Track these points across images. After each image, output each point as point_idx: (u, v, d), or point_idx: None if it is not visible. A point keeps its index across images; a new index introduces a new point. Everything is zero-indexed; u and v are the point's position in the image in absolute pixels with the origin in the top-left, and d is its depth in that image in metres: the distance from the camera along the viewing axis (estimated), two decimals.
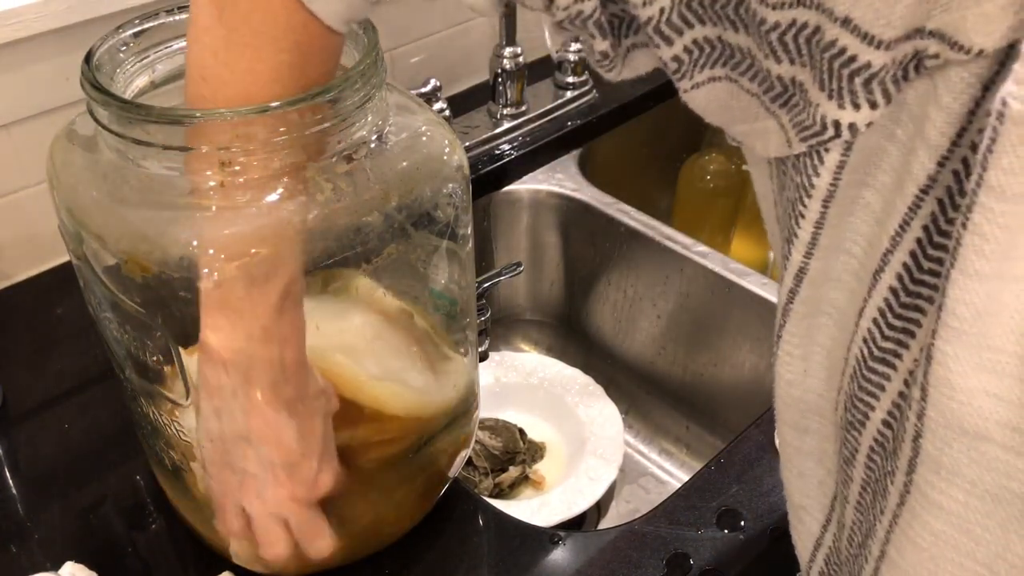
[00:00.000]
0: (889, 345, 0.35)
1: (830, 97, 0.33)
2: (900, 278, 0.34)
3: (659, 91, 1.22)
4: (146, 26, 0.53)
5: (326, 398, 0.51)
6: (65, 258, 0.89)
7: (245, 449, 0.49)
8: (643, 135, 1.24)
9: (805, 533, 0.45)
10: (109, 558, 0.63)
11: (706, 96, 0.38)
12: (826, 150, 0.34)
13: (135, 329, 0.51)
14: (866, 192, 0.35)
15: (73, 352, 0.81)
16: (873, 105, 0.32)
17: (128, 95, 0.52)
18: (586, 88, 1.17)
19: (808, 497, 0.44)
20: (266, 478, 0.49)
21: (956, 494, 0.33)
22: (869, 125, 0.33)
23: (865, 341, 0.36)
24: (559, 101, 1.15)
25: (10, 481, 0.70)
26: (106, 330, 0.55)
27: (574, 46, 1.15)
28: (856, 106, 0.32)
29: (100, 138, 0.50)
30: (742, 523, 0.64)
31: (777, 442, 0.46)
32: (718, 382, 1.02)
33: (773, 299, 0.91)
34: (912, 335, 0.34)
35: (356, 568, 0.62)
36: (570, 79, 1.17)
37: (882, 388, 0.36)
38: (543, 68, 1.20)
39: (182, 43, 0.55)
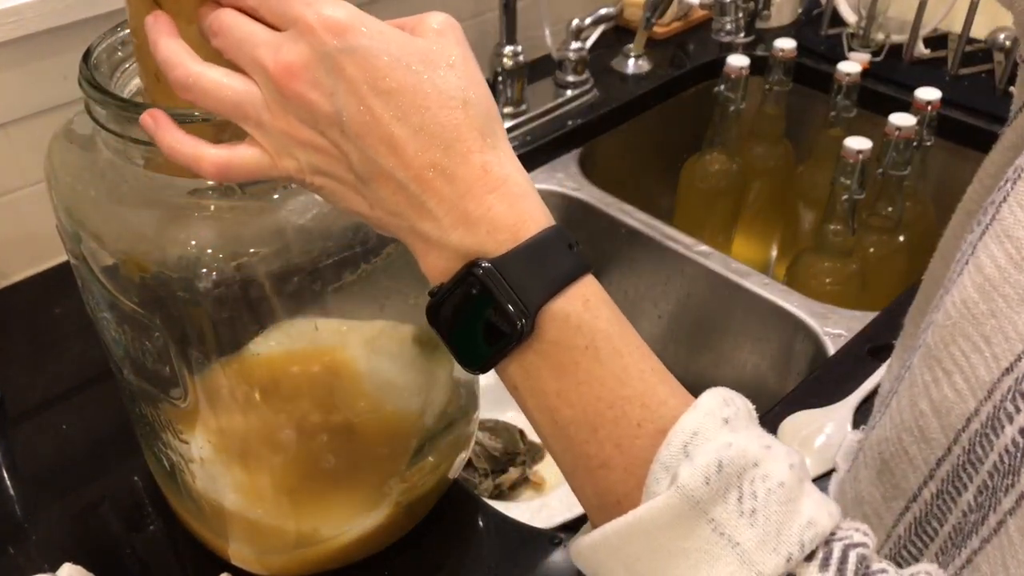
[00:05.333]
0: None
1: None
2: None
3: (660, 90, 1.22)
4: None
5: None
6: (63, 258, 0.89)
7: None
8: (644, 134, 1.23)
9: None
10: (107, 559, 0.63)
11: None
12: None
13: (133, 329, 0.51)
14: None
15: (71, 352, 0.80)
16: None
17: (126, 94, 0.51)
18: (587, 87, 1.17)
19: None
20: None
21: None
22: None
23: None
24: (559, 100, 1.15)
25: (8, 482, 0.70)
26: (104, 330, 0.54)
27: (574, 44, 1.15)
28: None
29: (98, 137, 0.50)
30: None
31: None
32: (719, 383, 1.01)
33: (774, 299, 0.90)
34: None
35: (356, 569, 0.62)
36: (570, 78, 1.16)
37: None
38: (543, 67, 1.20)
39: None
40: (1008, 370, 0.34)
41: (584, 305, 0.37)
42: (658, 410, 0.36)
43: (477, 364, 0.38)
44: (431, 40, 0.39)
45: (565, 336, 0.37)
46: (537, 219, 0.38)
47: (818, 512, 0.34)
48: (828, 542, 0.34)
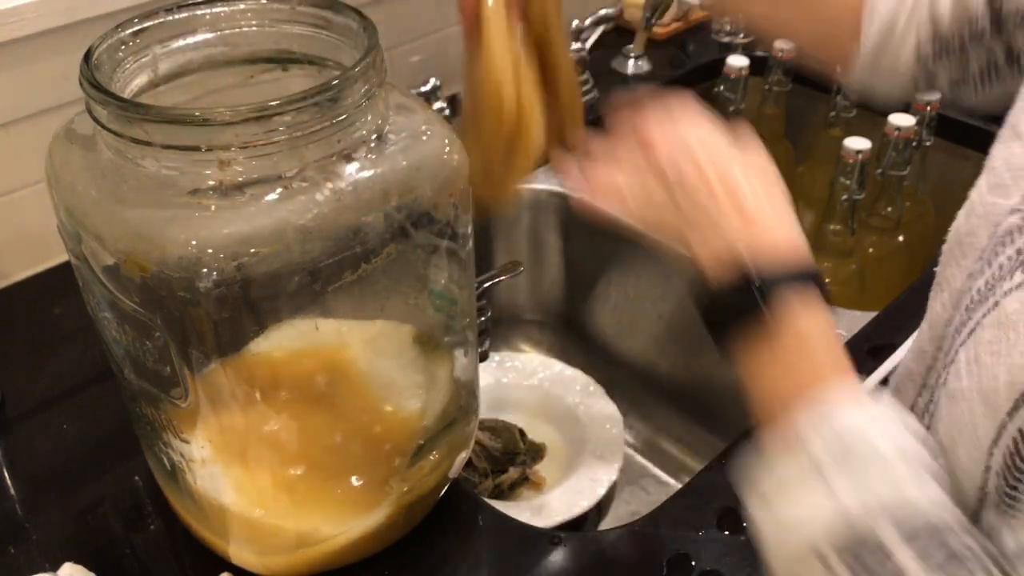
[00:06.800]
0: None
1: None
2: None
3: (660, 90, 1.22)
4: (145, 25, 0.53)
5: None
6: (64, 258, 0.89)
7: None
8: None
9: None
10: (107, 559, 0.63)
11: None
12: None
13: (134, 329, 0.51)
14: None
15: (72, 352, 0.80)
16: None
17: (127, 94, 0.52)
18: (587, 88, 1.17)
19: None
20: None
21: None
22: None
23: None
24: None
25: (8, 482, 0.70)
26: (105, 330, 0.55)
27: (574, 45, 1.15)
28: None
29: (99, 137, 0.50)
30: (743, 524, 0.64)
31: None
32: (719, 382, 1.02)
33: None
34: None
35: (356, 569, 0.62)
36: None
37: None
38: None
39: (181, 42, 0.55)
40: (974, 275, 0.43)
41: (812, 323, 0.45)
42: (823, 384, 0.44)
43: (722, 343, 0.50)
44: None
45: (790, 335, 0.45)
46: (805, 254, 0.47)
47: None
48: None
